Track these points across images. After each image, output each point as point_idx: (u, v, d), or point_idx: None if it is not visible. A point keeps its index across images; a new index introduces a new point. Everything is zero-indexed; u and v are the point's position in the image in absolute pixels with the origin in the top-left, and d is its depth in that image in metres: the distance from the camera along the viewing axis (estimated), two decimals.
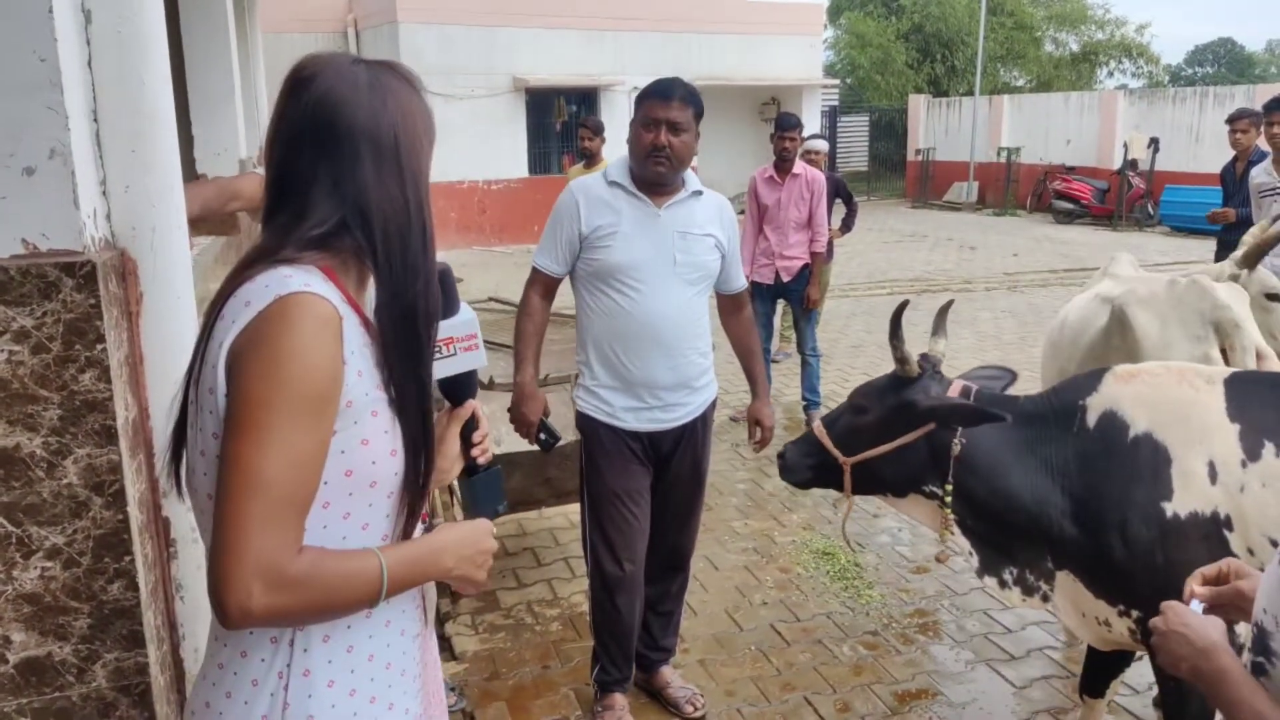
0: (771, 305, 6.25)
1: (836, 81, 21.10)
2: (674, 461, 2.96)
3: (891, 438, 2.49)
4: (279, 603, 1.08)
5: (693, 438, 2.96)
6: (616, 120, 13.49)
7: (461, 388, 1.41)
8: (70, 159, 1.44)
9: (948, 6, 25.65)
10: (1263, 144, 5.77)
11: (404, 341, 1.20)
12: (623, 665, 3.05)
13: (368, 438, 1.17)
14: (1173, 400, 2.27)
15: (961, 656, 3.51)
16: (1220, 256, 6.23)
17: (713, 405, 3.02)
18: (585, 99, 16.21)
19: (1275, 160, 5.47)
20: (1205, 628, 1.26)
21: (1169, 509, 2.17)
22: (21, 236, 1.43)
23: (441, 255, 1.30)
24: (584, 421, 2.92)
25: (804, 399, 6.20)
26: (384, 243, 1.19)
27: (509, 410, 2.92)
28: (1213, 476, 2.17)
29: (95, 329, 1.47)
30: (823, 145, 6.85)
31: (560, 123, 16.10)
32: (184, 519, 1.71)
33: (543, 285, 2.91)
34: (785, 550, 4.38)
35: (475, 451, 1.40)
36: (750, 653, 3.52)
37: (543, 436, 2.88)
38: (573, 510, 4.68)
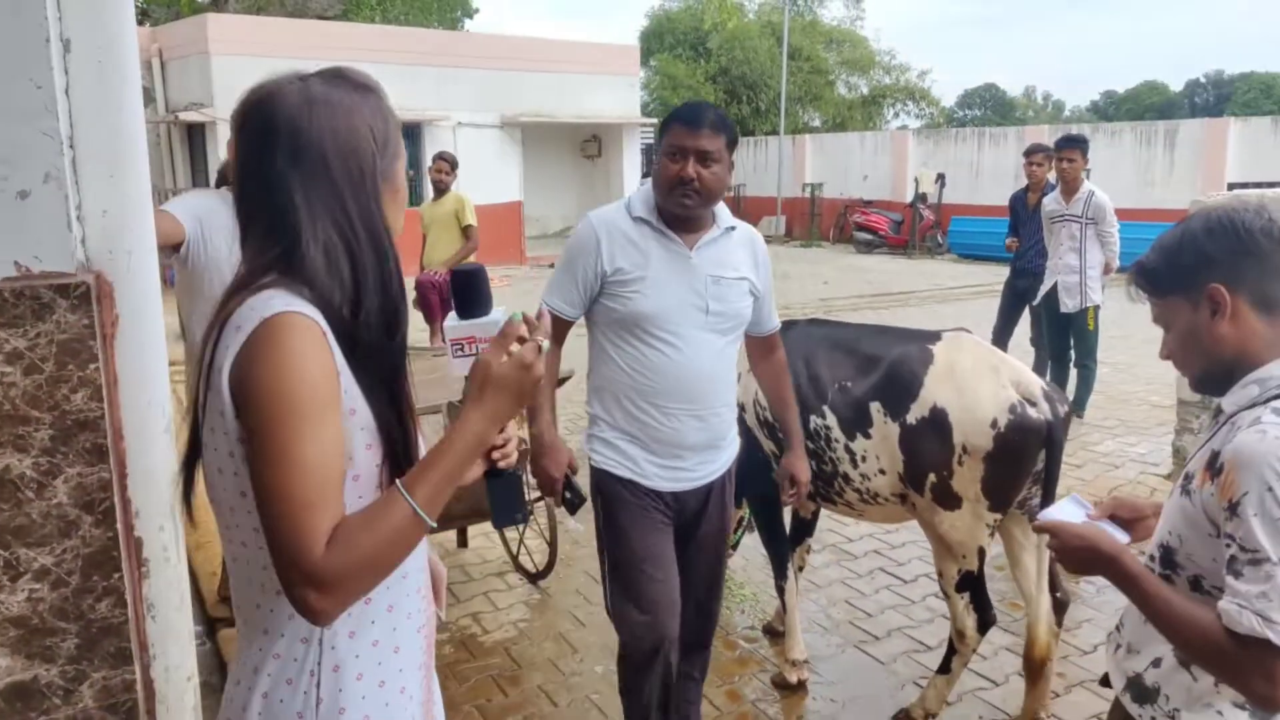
0: None
1: (654, 120, 21.90)
2: (701, 522, 2.71)
3: None
4: (338, 596, 1.15)
5: (720, 495, 2.73)
6: None
7: None
8: (64, 183, 1.47)
9: (751, 51, 27.18)
10: (1053, 176, 6.58)
11: (365, 354, 1.25)
12: None
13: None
14: None
15: (832, 641, 3.84)
16: (1014, 280, 7.02)
17: (736, 460, 2.80)
18: (409, 133, 16.11)
19: (1063, 190, 6.28)
20: (1105, 538, 1.58)
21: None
22: (14, 259, 1.45)
23: None
24: (601, 478, 2.62)
25: None
26: (328, 263, 1.22)
27: (529, 464, 2.63)
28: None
29: (89, 349, 1.50)
30: None
31: None
32: (155, 539, 1.72)
33: (552, 329, 2.53)
34: None
35: (495, 455, 1.36)
36: None
37: (568, 495, 2.64)
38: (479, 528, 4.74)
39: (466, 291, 1.36)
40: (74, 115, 1.58)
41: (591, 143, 20.23)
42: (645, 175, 11.57)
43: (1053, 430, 2.94)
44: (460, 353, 1.35)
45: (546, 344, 1.26)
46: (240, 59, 13.99)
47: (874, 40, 31.26)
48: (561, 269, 2.57)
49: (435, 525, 1.20)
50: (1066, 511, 1.70)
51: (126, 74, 1.61)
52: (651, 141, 21.63)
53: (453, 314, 1.37)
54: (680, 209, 2.46)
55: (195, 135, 15.42)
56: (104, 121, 1.58)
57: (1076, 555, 1.61)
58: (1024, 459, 2.96)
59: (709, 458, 2.63)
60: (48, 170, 1.46)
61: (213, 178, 14.36)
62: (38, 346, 1.47)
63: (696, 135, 2.41)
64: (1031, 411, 2.93)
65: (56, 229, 1.48)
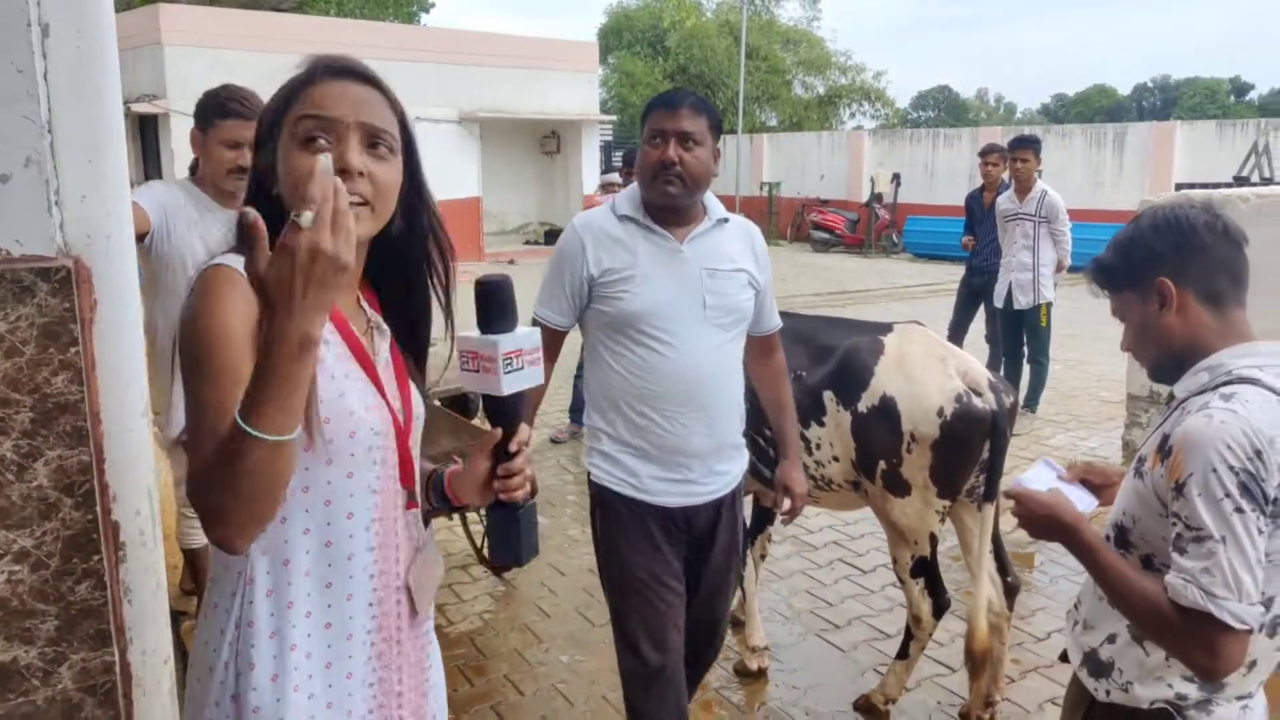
0: None
1: (614, 117, 21.94)
2: (713, 540, 2.55)
3: None
4: (219, 524, 1.14)
5: (731, 510, 2.57)
6: None
7: (494, 410, 1.37)
8: (44, 168, 1.48)
9: (709, 49, 27.30)
10: (1007, 176, 6.74)
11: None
12: None
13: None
14: None
15: (794, 629, 3.91)
16: (969, 278, 7.17)
17: (745, 475, 2.67)
18: None
19: (1017, 190, 6.45)
20: (1067, 508, 1.65)
21: None
22: None
23: None
24: (601, 493, 2.50)
25: None
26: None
27: None
28: None
29: (69, 332, 1.51)
30: (618, 178, 7.40)
31: None
32: (132, 523, 1.72)
33: (544, 340, 2.39)
34: None
35: (496, 485, 1.35)
36: (606, 644, 3.74)
37: None
38: (441, 521, 4.75)
39: (482, 304, 1.35)
40: (52, 100, 1.58)
41: (550, 139, 20.21)
42: (605, 172, 11.60)
43: (997, 420, 3.04)
44: (466, 366, 1.35)
45: (308, 216, 1.04)
46: (194, 50, 13.79)
47: (830, 41, 31.77)
48: (549, 278, 2.47)
49: (291, 438, 1.10)
50: (1039, 474, 1.78)
51: (105, 59, 1.61)
52: (610, 138, 21.74)
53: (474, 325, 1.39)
54: (664, 198, 2.33)
55: (148, 127, 15.14)
56: (82, 106, 1.59)
57: (1038, 522, 1.69)
58: (970, 447, 3.06)
59: (717, 469, 2.48)
60: (28, 155, 1.47)
61: (165, 172, 14.13)
62: (18, 329, 1.47)
63: (676, 116, 2.31)
64: (977, 401, 3.03)
65: (37, 213, 1.49)
